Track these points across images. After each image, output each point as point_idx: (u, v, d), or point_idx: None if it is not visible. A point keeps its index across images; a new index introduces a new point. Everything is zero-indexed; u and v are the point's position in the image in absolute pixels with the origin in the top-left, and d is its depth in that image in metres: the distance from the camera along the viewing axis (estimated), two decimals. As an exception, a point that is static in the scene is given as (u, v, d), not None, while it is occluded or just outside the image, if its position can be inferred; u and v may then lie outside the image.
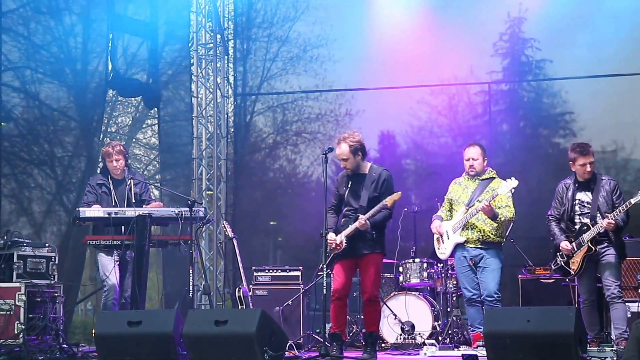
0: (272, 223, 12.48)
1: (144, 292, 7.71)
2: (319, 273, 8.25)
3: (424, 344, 8.22)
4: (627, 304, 7.73)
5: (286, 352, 7.04)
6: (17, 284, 7.81)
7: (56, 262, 8.25)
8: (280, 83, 12.23)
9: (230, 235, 9.18)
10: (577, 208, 7.60)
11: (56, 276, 8.21)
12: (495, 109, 11.49)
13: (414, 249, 9.37)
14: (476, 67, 11.35)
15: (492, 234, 7.68)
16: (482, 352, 6.76)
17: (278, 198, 12.26)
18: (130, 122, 14.49)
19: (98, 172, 8.41)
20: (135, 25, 11.03)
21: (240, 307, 8.69)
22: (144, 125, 14.93)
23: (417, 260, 9.16)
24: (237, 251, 9.07)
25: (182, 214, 7.66)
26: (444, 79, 11.42)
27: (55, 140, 11.45)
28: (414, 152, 11.87)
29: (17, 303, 7.73)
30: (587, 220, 7.49)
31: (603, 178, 7.61)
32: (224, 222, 9.76)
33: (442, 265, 9.01)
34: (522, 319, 6.10)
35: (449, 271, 8.93)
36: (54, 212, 11.56)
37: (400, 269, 9.24)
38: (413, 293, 9.04)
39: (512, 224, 8.22)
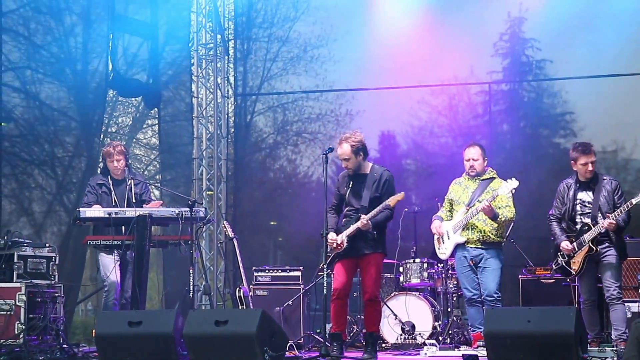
0: (272, 223, 12.48)
1: (145, 292, 7.71)
2: (319, 273, 8.27)
3: (424, 344, 8.21)
4: (627, 304, 7.73)
5: (286, 353, 7.04)
6: (18, 284, 7.81)
7: (56, 262, 8.25)
8: (280, 83, 12.24)
9: (230, 236, 9.18)
10: (578, 208, 7.59)
11: (56, 276, 8.21)
12: (496, 109, 11.49)
13: (414, 249, 9.38)
14: (476, 67, 11.35)
15: (492, 234, 7.68)
16: (482, 353, 6.76)
17: (278, 198, 12.26)
18: (130, 122, 14.50)
19: (98, 172, 8.41)
20: (135, 26, 11.02)
21: (240, 307, 8.68)
22: (145, 126, 14.94)
23: (417, 260, 9.17)
24: (238, 251, 9.07)
25: (182, 214, 7.66)
26: (444, 79, 11.42)
27: (55, 141, 11.45)
28: (415, 152, 11.87)
29: (17, 303, 7.73)
30: (588, 220, 7.48)
31: (605, 178, 7.59)
32: (225, 222, 9.76)
33: (442, 265, 9.01)
34: (523, 319, 6.10)
35: (450, 271, 8.93)
36: (54, 213, 11.56)
37: (401, 269, 9.24)
38: (413, 293, 9.04)
39: (512, 224, 8.22)
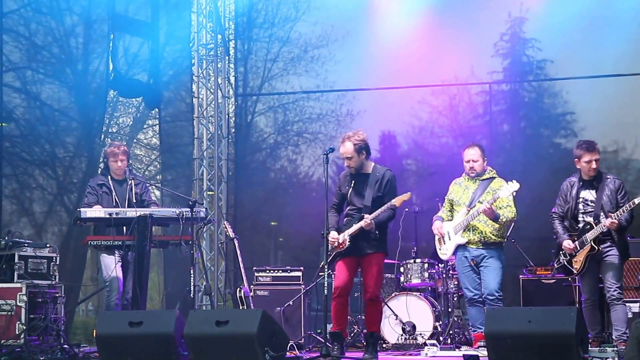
0: (273, 223, 12.48)
1: (145, 292, 7.71)
2: (320, 273, 8.26)
3: (425, 344, 8.21)
4: (628, 304, 7.72)
5: (287, 353, 7.04)
6: (19, 285, 7.81)
7: (57, 262, 8.25)
8: (281, 83, 12.24)
9: (231, 236, 9.18)
10: (580, 206, 7.56)
11: (57, 277, 8.21)
12: (496, 109, 11.48)
13: (415, 249, 9.38)
14: (477, 68, 11.35)
15: (493, 234, 7.68)
16: (483, 353, 6.75)
17: (279, 198, 12.25)
18: (131, 122, 14.48)
19: (99, 172, 8.42)
20: (136, 26, 11.02)
21: (241, 307, 8.68)
22: (145, 126, 14.93)
23: (418, 260, 9.16)
24: (238, 251, 9.07)
25: (183, 215, 7.66)
26: (444, 79, 11.42)
27: (56, 141, 11.46)
28: (415, 152, 11.87)
29: (18, 303, 7.73)
30: (590, 219, 7.46)
31: (608, 177, 7.55)
32: (225, 222, 9.76)
33: (443, 265, 9.01)
34: (524, 319, 6.10)
35: (450, 271, 8.93)
36: (55, 213, 11.56)
37: (402, 269, 9.24)
38: (414, 293, 9.04)
39: (513, 223, 8.21)
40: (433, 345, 7.99)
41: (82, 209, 7.70)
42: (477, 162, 7.78)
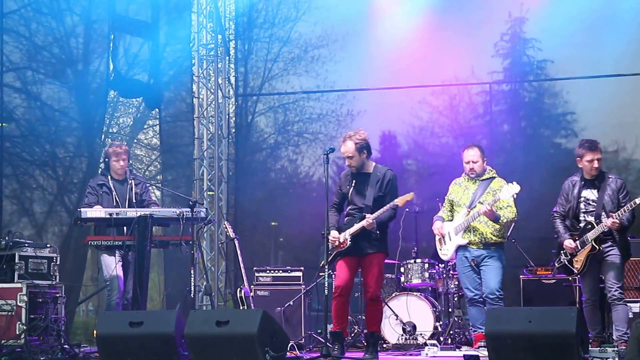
0: (273, 223, 12.48)
1: (146, 292, 7.72)
2: (320, 273, 8.26)
3: (425, 344, 8.20)
4: (629, 304, 7.71)
5: (287, 353, 7.04)
6: (19, 285, 7.80)
7: (57, 262, 8.24)
8: (281, 83, 12.24)
9: (231, 236, 9.17)
10: (582, 206, 7.54)
11: (57, 277, 8.21)
12: (497, 109, 11.48)
13: (415, 249, 9.37)
14: (477, 68, 11.34)
15: (494, 235, 7.67)
16: (483, 353, 6.75)
17: (279, 198, 12.25)
18: (131, 122, 14.49)
19: (99, 172, 8.42)
20: (136, 26, 11.02)
21: (241, 307, 8.68)
22: (145, 126, 14.94)
23: (418, 260, 9.16)
24: (239, 252, 9.07)
25: (183, 215, 7.66)
26: (445, 79, 11.42)
27: (56, 141, 11.47)
28: (415, 153, 11.87)
29: (18, 304, 7.72)
30: (591, 219, 7.44)
31: (610, 176, 7.52)
32: (225, 222, 9.76)
33: (443, 265, 9.00)
34: (524, 319, 6.10)
35: (451, 271, 8.93)
36: (55, 213, 11.57)
37: (402, 269, 9.23)
38: (414, 293, 9.03)
39: (513, 224, 8.21)
40: (433, 345, 7.99)
41: (82, 209, 7.70)
42: (477, 163, 7.77)
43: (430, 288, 9.24)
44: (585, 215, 7.52)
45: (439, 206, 8.25)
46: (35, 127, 11.30)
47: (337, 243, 7.19)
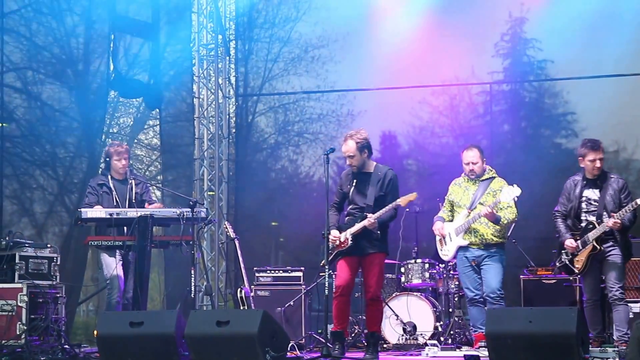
0: (273, 224, 12.48)
1: (146, 292, 7.72)
2: (320, 274, 8.27)
3: (425, 344, 8.21)
4: (629, 304, 7.70)
5: (288, 353, 7.04)
6: (19, 285, 7.80)
7: (58, 262, 8.24)
8: (281, 84, 12.25)
9: (232, 236, 9.17)
10: (583, 205, 7.52)
11: (58, 277, 8.21)
12: (497, 110, 11.48)
13: (415, 249, 9.37)
14: (477, 68, 11.34)
15: (494, 236, 7.66)
16: (484, 353, 6.75)
17: (280, 198, 12.26)
18: (131, 122, 14.49)
19: (99, 172, 8.42)
20: (136, 26, 11.02)
21: (242, 307, 8.68)
22: (146, 126, 14.93)
23: (419, 260, 9.16)
24: (239, 252, 9.07)
25: (183, 215, 7.66)
26: (445, 80, 11.42)
27: (57, 141, 11.47)
28: (416, 153, 11.87)
29: (19, 304, 7.73)
30: (593, 218, 7.42)
31: (612, 176, 7.50)
32: (226, 222, 9.76)
33: (443, 265, 9.00)
34: (524, 319, 6.10)
35: (451, 272, 8.93)
36: (55, 213, 11.58)
37: (402, 269, 9.23)
38: (415, 294, 9.04)
39: (514, 224, 8.20)
40: (434, 345, 7.99)
41: (82, 209, 7.70)
42: (476, 164, 7.76)
43: (430, 288, 9.24)
44: (587, 215, 7.50)
45: (439, 206, 8.25)
46: (35, 127, 11.31)
47: (337, 242, 7.19)
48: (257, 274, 9.61)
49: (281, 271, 9.62)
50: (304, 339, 8.96)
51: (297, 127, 12.36)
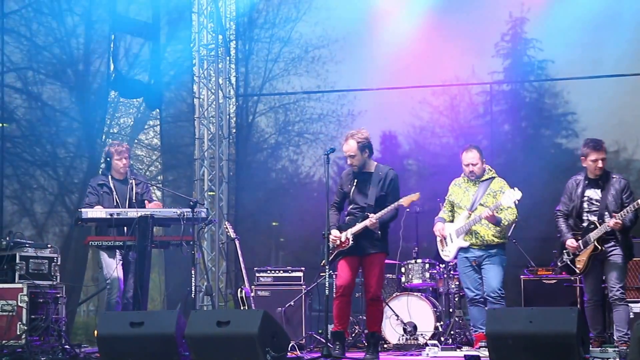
0: (274, 224, 12.49)
1: (146, 293, 7.72)
2: (321, 274, 8.26)
3: (426, 344, 8.20)
4: (630, 304, 7.69)
5: (288, 353, 7.04)
6: (20, 285, 7.81)
7: (58, 263, 8.25)
8: (282, 84, 12.25)
9: (232, 236, 9.18)
10: (585, 205, 7.49)
11: (58, 277, 8.21)
12: (497, 110, 11.49)
13: (416, 249, 9.37)
14: (478, 68, 11.35)
15: (495, 237, 7.65)
16: (484, 353, 6.76)
17: (280, 199, 12.26)
18: (132, 123, 14.49)
19: (99, 173, 8.42)
20: (137, 26, 11.02)
21: (242, 307, 8.68)
22: (146, 126, 14.93)
23: (419, 260, 9.16)
24: (239, 252, 9.07)
25: (184, 215, 7.66)
26: (445, 80, 11.43)
27: (57, 141, 11.48)
28: (416, 153, 11.88)
29: (19, 304, 7.73)
30: (594, 219, 7.40)
31: (614, 176, 7.48)
32: (226, 222, 9.76)
33: (444, 265, 9.00)
34: (525, 319, 6.10)
35: (451, 272, 8.93)
36: (56, 213, 11.59)
37: (403, 269, 9.23)
38: (415, 294, 9.04)
39: (514, 224, 8.20)
40: (434, 345, 7.98)
41: (83, 210, 7.69)
42: (476, 166, 7.75)
43: (431, 288, 9.24)
44: (589, 214, 7.48)
45: (439, 206, 8.25)
46: (36, 127, 11.32)
47: (338, 242, 7.19)
48: (257, 274, 9.61)
49: (281, 271, 9.62)
50: (304, 339, 8.96)
51: (298, 127, 12.37)
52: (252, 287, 9.33)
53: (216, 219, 10.78)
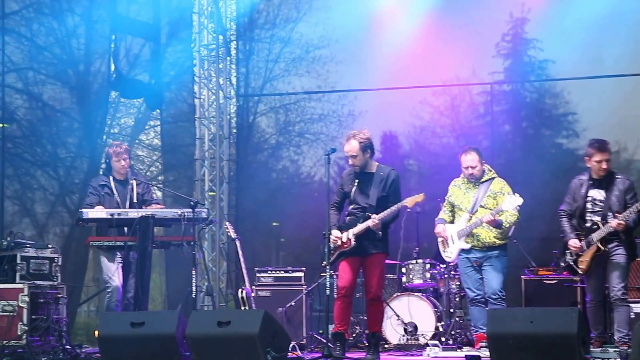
0: (274, 224, 12.49)
1: (147, 293, 7.72)
2: (321, 274, 8.26)
3: (427, 345, 8.20)
4: (631, 305, 7.68)
5: (289, 353, 7.04)
6: (20, 285, 7.81)
7: (59, 263, 8.25)
8: (282, 84, 12.27)
9: (233, 236, 9.17)
10: (589, 205, 7.45)
11: (59, 277, 8.21)
12: (498, 110, 11.49)
13: (416, 249, 9.37)
14: (478, 68, 11.35)
15: (497, 239, 7.63)
16: (485, 353, 6.76)
17: (281, 199, 12.26)
18: (132, 123, 14.50)
19: (100, 173, 8.42)
20: (137, 27, 11.02)
21: (243, 308, 8.69)
22: (147, 127, 14.94)
23: (420, 261, 9.16)
24: (240, 252, 9.07)
25: (184, 215, 7.66)
26: (446, 80, 11.43)
27: (58, 142, 11.49)
28: (417, 153, 11.89)
29: (20, 304, 7.73)
30: (598, 219, 7.36)
31: (618, 177, 7.43)
32: (227, 223, 9.76)
33: (445, 266, 9.00)
34: (525, 319, 6.10)
35: (452, 272, 8.93)
36: (56, 214, 11.60)
37: (403, 269, 9.23)
38: (416, 294, 9.03)
39: (515, 225, 8.19)
40: (435, 345, 7.98)
41: (83, 210, 7.69)
42: (475, 168, 7.71)
43: (431, 288, 9.24)
44: (592, 215, 7.44)
45: (440, 206, 8.24)
46: (36, 127, 11.33)
47: (339, 242, 7.18)
48: (258, 274, 9.61)
49: (282, 271, 9.62)
50: (305, 340, 8.96)
51: (298, 128, 12.38)
52: (253, 287, 9.33)
53: (217, 219, 10.78)
